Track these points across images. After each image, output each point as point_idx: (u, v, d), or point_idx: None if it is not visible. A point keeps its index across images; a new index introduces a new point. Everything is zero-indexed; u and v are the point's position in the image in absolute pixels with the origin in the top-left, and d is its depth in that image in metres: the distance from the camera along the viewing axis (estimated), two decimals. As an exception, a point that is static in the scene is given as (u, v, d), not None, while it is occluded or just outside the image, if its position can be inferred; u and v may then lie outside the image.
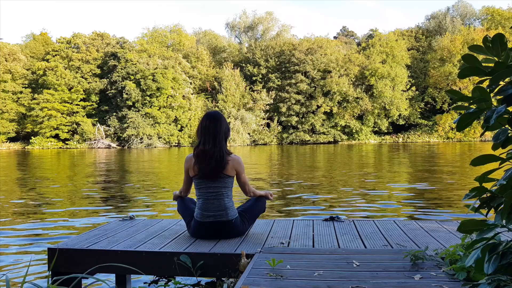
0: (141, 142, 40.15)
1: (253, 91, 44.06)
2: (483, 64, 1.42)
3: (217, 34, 53.61)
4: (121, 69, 41.76)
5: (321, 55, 44.05)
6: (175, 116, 41.77)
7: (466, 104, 1.48)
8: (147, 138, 40.26)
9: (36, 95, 42.86)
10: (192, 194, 3.06)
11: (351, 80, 43.84)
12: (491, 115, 1.36)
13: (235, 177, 2.98)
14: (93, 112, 44.31)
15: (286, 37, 49.29)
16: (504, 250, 1.44)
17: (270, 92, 44.17)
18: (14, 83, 44.09)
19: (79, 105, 43.79)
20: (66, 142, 42.57)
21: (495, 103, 1.41)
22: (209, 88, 45.74)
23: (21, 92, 44.15)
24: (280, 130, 44.10)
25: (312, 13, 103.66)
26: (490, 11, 47.40)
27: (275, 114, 44.18)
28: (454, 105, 1.56)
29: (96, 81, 44.06)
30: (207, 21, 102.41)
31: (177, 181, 9.92)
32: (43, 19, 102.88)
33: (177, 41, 47.65)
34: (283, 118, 43.91)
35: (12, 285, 3.00)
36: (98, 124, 41.95)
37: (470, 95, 1.45)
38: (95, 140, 41.02)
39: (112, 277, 3.14)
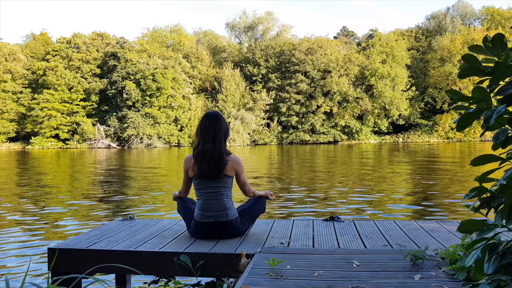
0: (141, 142, 40.14)
1: (253, 91, 44.02)
2: (483, 64, 1.42)
3: (217, 34, 53.56)
4: (121, 69, 41.73)
5: (321, 55, 44.01)
6: (175, 116, 41.75)
7: (466, 104, 1.48)
8: (147, 138, 40.24)
9: (36, 95, 42.83)
10: (192, 194, 3.06)
11: (351, 80, 43.82)
12: (491, 115, 1.36)
13: (234, 177, 2.98)
14: (93, 112, 44.30)
15: (286, 37, 49.25)
16: (504, 250, 1.44)
17: (270, 92, 44.13)
18: (14, 83, 44.07)
19: (79, 105, 43.77)
20: (66, 142, 42.56)
21: (495, 103, 1.41)
22: (209, 88, 45.71)
23: (21, 92, 44.13)
24: (280, 130, 44.06)
25: (312, 13, 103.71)
26: (490, 11, 47.37)
27: (275, 114, 44.14)
28: (454, 105, 1.56)
29: (96, 81, 44.04)
30: (207, 21, 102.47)
31: (177, 181, 9.92)
32: (43, 19, 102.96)
33: (177, 41, 47.61)
34: (283, 118, 43.87)
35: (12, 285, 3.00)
36: (98, 124, 41.94)
37: (470, 95, 1.45)
38: (95, 140, 41.00)
39: (112, 277, 3.14)
